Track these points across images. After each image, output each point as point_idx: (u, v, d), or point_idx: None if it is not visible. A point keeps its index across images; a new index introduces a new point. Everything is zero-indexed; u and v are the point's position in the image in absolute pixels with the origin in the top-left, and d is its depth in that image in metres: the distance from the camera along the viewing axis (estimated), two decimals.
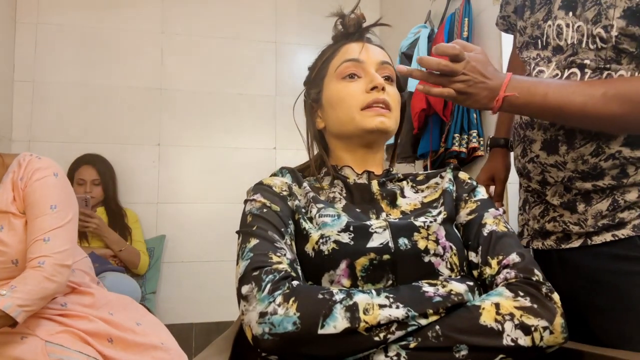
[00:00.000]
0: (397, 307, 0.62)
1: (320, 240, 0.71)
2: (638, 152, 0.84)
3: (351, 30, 0.88)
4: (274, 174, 0.87)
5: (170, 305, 2.64)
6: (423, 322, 0.62)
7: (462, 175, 0.86)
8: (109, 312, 1.33)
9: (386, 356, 0.61)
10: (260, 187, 0.80)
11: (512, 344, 0.61)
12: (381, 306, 0.61)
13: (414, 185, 0.87)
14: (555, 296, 0.66)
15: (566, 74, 0.87)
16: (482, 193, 0.83)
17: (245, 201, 0.80)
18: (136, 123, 2.75)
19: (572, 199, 0.90)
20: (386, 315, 0.61)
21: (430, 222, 0.74)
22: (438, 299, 0.64)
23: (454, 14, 2.06)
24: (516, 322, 0.62)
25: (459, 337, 0.61)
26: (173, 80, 2.83)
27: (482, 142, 1.88)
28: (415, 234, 0.72)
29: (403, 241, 0.71)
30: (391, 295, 0.63)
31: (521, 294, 0.65)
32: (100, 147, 2.57)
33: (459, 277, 0.72)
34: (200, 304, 2.70)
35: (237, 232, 0.75)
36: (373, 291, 0.64)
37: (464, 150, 1.90)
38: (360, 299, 0.62)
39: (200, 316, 2.69)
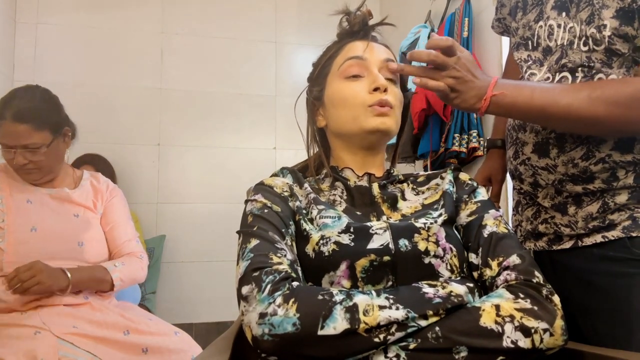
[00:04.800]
0: (397, 309, 0.61)
1: (321, 241, 0.71)
2: (628, 156, 0.84)
3: (356, 28, 0.87)
4: (275, 174, 0.87)
5: (170, 305, 2.64)
6: (423, 323, 0.62)
7: (463, 176, 0.86)
8: (120, 314, 1.42)
9: (386, 357, 0.61)
10: (261, 188, 0.80)
11: (512, 345, 0.61)
12: (381, 307, 0.61)
13: (415, 187, 0.87)
14: (556, 298, 0.66)
15: (557, 77, 0.87)
16: (482, 194, 0.83)
17: (246, 201, 0.80)
18: (136, 123, 2.75)
19: (563, 202, 0.90)
20: (386, 317, 0.60)
21: (431, 223, 0.74)
22: (438, 300, 0.64)
23: (454, 14, 2.06)
24: (516, 324, 0.62)
25: (459, 339, 0.61)
26: (173, 80, 2.83)
27: (482, 142, 1.88)
28: (416, 235, 0.72)
29: (403, 242, 0.71)
30: (391, 297, 0.63)
31: (521, 295, 0.65)
32: (100, 147, 2.57)
33: (459, 278, 0.71)
34: (200, 304, 2.70)
35: (238, 232, 0.75)
36: (373, 292, 0.64)
37: (464, 150, 1.90)
38: (360, 300, 0.62)
39: (200, 316, 2.69)
